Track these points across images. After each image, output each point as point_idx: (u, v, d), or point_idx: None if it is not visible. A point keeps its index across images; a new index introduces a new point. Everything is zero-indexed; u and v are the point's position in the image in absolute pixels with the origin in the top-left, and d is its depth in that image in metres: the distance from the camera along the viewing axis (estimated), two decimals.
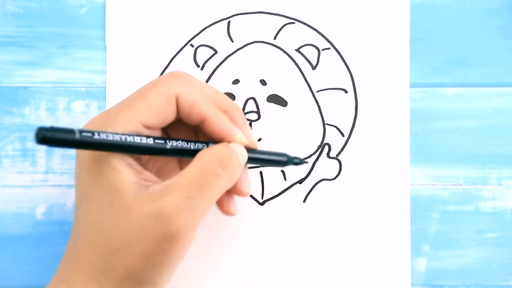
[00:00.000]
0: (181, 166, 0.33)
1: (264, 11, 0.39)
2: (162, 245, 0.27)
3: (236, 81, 0.38)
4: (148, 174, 0.29)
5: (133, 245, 0.27)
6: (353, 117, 0.38)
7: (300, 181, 0.38)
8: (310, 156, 0.38)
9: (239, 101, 0.38)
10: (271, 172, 0.38)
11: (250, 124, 0.38)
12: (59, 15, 0.39)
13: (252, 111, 0.38)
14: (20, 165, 0.38)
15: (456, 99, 0.38)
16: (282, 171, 0.38)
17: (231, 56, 0.38)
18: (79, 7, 0.39)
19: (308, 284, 0.37)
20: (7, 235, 0.38)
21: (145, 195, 0.27)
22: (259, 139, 0.38)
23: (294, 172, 0.38)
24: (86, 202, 0.28)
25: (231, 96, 0.38)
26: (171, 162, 0.33)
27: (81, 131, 0.26)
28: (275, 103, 0.38)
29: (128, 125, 0.28)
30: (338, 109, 0.38)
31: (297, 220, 0.38)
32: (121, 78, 0.38)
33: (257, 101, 0.38)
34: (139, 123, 0.28)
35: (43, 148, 0.38)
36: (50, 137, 0.25)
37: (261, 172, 0.38)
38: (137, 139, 0.28)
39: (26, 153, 0.38)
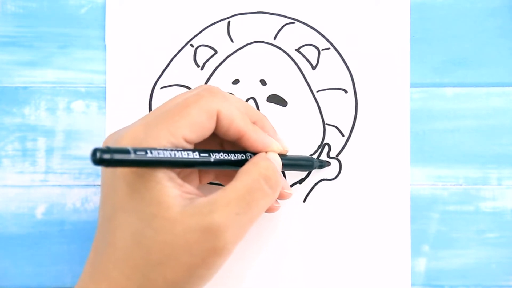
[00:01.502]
0: (200, 175, 0.34)
1: (264, 11, 0.39)
2: (207, 259, 0.27)
3: (236, 81, 0.38)
4: (188, 187, 0.29)
5: (177, 258, 0.27)
6: (353, 117, 0.38)
7: (300, 181, 0.38)
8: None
9: None
10: None
11: None
12: (59, 15, 0.39)
13: None
14: (20, 165, 0.38)
15: (456, 99, 0.38)
16: (282, 171, 0.38)
17: (231, 56, 0.38)
18: (79, 7, 0.39)
19: (308, 284, 0.37)
20: (7, 235, 0.38)
21: (190, 208, 0.27)
22: None
23: (294, 172, 0.38)
24: (123, 214, 0.28)
25: None
26: (193, 172, 0.33)
27: (135, 150, 0.26)
28: (275, 103, 0.38)
29: (171, 139, 0.28)
30: (338, 109, 0.38)
31: (297, 220, 0.38)
32: (121, 78, 0.38)
33: (257, 101, 0.38)
34: (181, 138, 0.28)
35: (43, 148, 0.38)
36: (108, 158, 0.25)
37: None
38: (185, 154, 0.28)
39: (26, 153, 0.38)
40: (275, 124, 0.38)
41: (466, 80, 0.38)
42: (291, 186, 0.38)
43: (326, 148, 0.38)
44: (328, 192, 0.38)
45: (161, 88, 0.38)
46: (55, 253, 0.38)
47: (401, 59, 0.38)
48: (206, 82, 0.38)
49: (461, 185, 0.38)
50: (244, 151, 0.31)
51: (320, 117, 0.38)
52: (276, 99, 0.38)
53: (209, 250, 0.27)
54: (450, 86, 0.38)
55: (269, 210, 0.34)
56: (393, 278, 0.37)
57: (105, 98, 0.38)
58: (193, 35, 0.39)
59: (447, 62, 0.38)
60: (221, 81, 0.38)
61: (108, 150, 0.25)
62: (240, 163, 0.30)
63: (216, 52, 0.39)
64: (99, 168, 0.38)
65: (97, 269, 0.28)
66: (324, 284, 0.37)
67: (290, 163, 0.34)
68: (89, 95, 0.38)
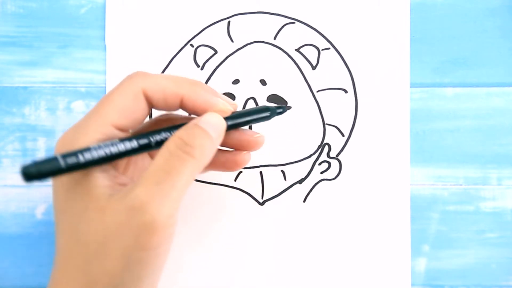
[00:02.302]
0: None
1: (264, 11, 0.39)
2: (140, 238, 0.26)
3: (236, 81, 0.38)
4: (124, 178, 0.28)
5: (110, 245, 0.26)
6: (353, 117, 0.38)
7: (300, 181, 0.38)
8: (310, 156, 0.38)
9: (239, 101, 0.38)
10: (271, 172, 0.38)
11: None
12: (59, 15, 0.39)
13: None
14: (20, 165, 0.38)
15: (456, 99, 0.38)
16: (282, 171, 0.38)
17: (231, 56, 0.38)
18: (79, 7, 0.39)
19: (308, 284, 0.37)
20: (7, 235, 0.38)
21: (117, 194, 0.27)
22: None
23: (294, 172, 0.38)
24: (62, 214, 0.28)
25: (231, 96, 0.38)
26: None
27: (64, 156, 0.25)
28: (275, 103, 0.38)
29: (100, 129, 0.27)
30: (338, 109, 0.38)
31: (297, 220, 0.38)
32: (121, 78, 0.38)
33: (257, 101, 0.38)
34: (110, 125, 0.28)
35: (43, 148, 0.38)
36: (35, 173, 0.24)
37: (261, 172, 0.38)
38: (121, 146, 0.27)
39: (26, 153, 0.38)
40: (275, 124, 0.38)
41: (466, 80, 0.38)
42: (291, 186, 0.38)
43: (326, 148, 0.38)
44: (328, 192, 0.38)
45: None
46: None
47: (401, 59, 0.38)
48: (206, 82, 0.38)
49: (461, 185, 0.38)
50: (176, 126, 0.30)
51: (320, 117, 0.38)
52: (276, 99, 0.38)
53: (139, 227, 0.26)
54: (450, 86, 0.38)
55: (231, 167, 0.32)
56: (393, 278, 0.37)
57: None
58: (193, 35, 0.39)
59: (447, 62, 0.38)
60: (221, 81, 0.38)
61: (34, 164, 0.24)
62: None
63: (216, 52, 0.39)
64: None
65: (53, 280, 0.28)
66: (324, 284, 0.37)
67: (242, 119, 0.31)
68: (89, 95, 0.38)
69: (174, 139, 0.28)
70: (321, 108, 0.38)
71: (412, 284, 0.37)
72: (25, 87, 0.38)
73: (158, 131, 0.29)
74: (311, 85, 0.38)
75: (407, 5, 0.38)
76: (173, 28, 0.39)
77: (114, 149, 0.27)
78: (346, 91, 0.38)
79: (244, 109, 0.32)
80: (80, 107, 0.38)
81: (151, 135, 0.28)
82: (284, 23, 0.39)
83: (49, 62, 0.39)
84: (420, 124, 0.38)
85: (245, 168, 0.38)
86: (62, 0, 0.39)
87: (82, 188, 0.27)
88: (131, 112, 0.28)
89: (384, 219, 0.37)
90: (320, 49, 0.38)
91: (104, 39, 0.39)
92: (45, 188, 0.38)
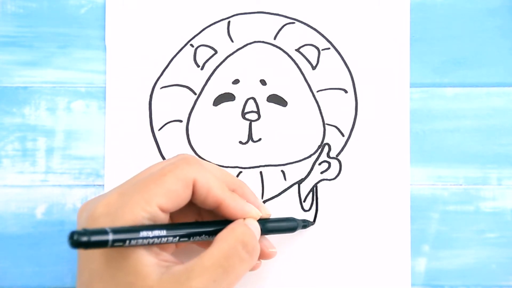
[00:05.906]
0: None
1: (264, 11, 0.39)
2: None
3: (236, 81, 0.38)
4: (165, 255, 0.29)
5: None
6: (353, 117, 0.38)
7: (300, 181, 0.38)
8: (310, 156, 0.38)
9: (239, 101, 0.38)
10: (271, 172, 0.38)
11: (250, 124, 0.38)
12: (59, 15, 0.39)
13: (252, 111, 0.38)
14: (20, 165, 0.38)
15: (456, 99, 0.38)
16: (282, 171, 0.38)
17: (231, 56, 0.38)
18: (79, 7, 0.39)
19: (308, 283, 0.37)
20: (7, 235, 0.38)
21: (168, 276, 0.27)
22: (259, 139, 0.38)
23: (294, 172, 0.38)
24: (100, 283, 0.28)
25: (231, 96, 0.38)
26: None
27: (114, 232, 0.26)
28: (275, 103, 0.38)
29: (146, 207, 0.28)
30: (338, 109, 0.38)
31: None
32: (121, 78, 0.38)
33: (257, 101, 0.38)
34: (156, 206, 0.28)
35: (43, 148, 0.38)
36: (85, 242, 0.25)
37: (261, 172, 0.38)
38: (164, 238, 0.28)
39: (26, 153, 0.38)
40: (275, 124, 0.38)
41: (466, 80, 0.38)
42: (291, 186, 0.38)
43: (326, 148, 0.38)
44: (328, 192, 0.38)
45: (161, 88, 0.38)
46: (55, 253, 0.38)
47: (401, 59, 0.38)
48: (206, 82, 0.38)
49: (461, 185, 0.38)
50: (220, 221, 0.31)
51: (320, 117, 0.38)
52: (276, 99, 0.38)
53: None
54: (450, 86, 0.38)
55: (251, 269, 0.33)
56: (393, 278, 0.37)
57: (105, 98, 0.38)
58: (193, 35, 0.39)
59: (447, 62, 0.38)
60: (221, 81, 0.38)
61: (85, 232, 0.25)
62: (216, 233, 0.31)
63: (216, 52, 0.39)
64: (99, 168, 0.38)
65: None
66: (324, 283, 0.37)
67: (272, 227, 0.34)
68: (89, 95, 0.38)
69: (236, 238, 0.29)
70: (321, 108, 0.38)
71: (412, 284, 0.37)
72: (25, 87, 0.38)
73: (206, 224, 0.31)
74: (311, 85, 0.38)
75: (407, 5, 0.38)
76: (173, 28, 0.39)
77: (163, 234, 0.28)
78: (346, 91, 0.38)
79: (273, 218, 0.34)
80: (80, 107, 0.38)
81: (198, 228, 0.30)
82: (284, 23, 0.39)
83: (49, 62, 0.39)
84: (420, 124, 0.38)
85: (245, 168, 0.38)
86: (62, 0, 0.39)
87: (128, 263, 0.27)
88: (177, 197, 0.29)
89: (384, 219, 0.37)
90: (320, 49, 0.38)
91: (104, 39, 0.39)
92: (45, 188, 0.38)
